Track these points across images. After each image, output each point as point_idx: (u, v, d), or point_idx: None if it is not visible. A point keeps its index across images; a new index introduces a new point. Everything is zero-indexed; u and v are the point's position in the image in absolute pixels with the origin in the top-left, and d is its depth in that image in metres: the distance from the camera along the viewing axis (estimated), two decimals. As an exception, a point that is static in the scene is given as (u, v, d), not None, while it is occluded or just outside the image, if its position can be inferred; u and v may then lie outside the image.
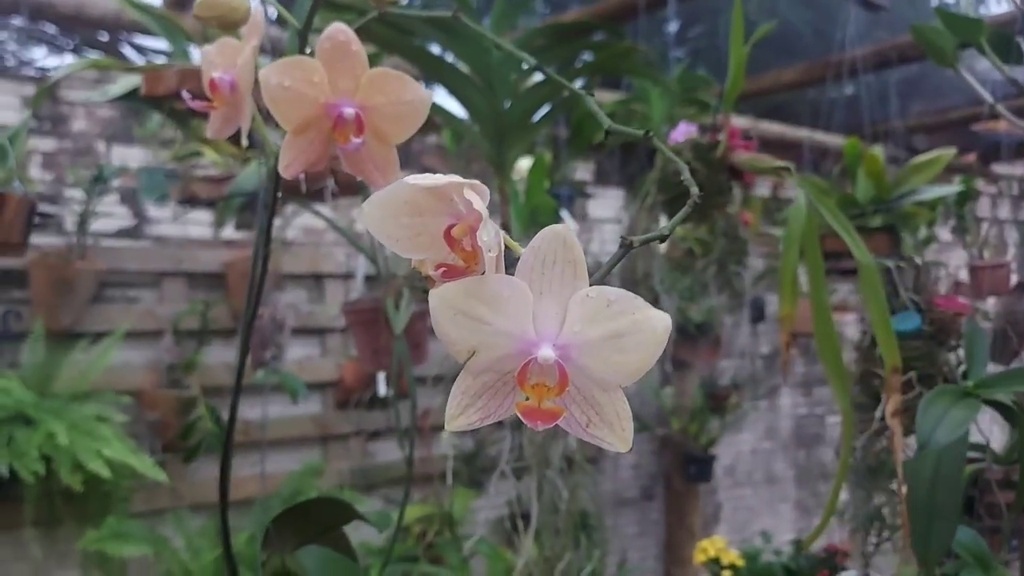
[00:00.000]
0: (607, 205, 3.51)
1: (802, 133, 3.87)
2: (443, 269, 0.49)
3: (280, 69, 0.62)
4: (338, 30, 0.63)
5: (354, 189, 1.64)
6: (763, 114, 3.80)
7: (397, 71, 0.64)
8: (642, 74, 1.84)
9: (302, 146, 0.66)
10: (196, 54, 1.56)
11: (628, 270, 2.35)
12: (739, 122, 3.06)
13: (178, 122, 1.62)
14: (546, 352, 0.46)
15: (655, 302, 2.63)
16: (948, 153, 1.83)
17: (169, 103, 1.42)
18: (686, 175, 0.58)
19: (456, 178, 0.47)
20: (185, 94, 0.72)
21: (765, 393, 4.04)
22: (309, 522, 0.82)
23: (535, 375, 0.47)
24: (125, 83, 1.47)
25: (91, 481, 2.20)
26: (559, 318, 0.48)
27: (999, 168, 4.55)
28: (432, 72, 1.50)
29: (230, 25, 0.67)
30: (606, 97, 2.67)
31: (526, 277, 0.48)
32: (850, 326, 4.44)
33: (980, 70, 3.85)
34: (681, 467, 3.49)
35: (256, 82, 0.66)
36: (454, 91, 1.53)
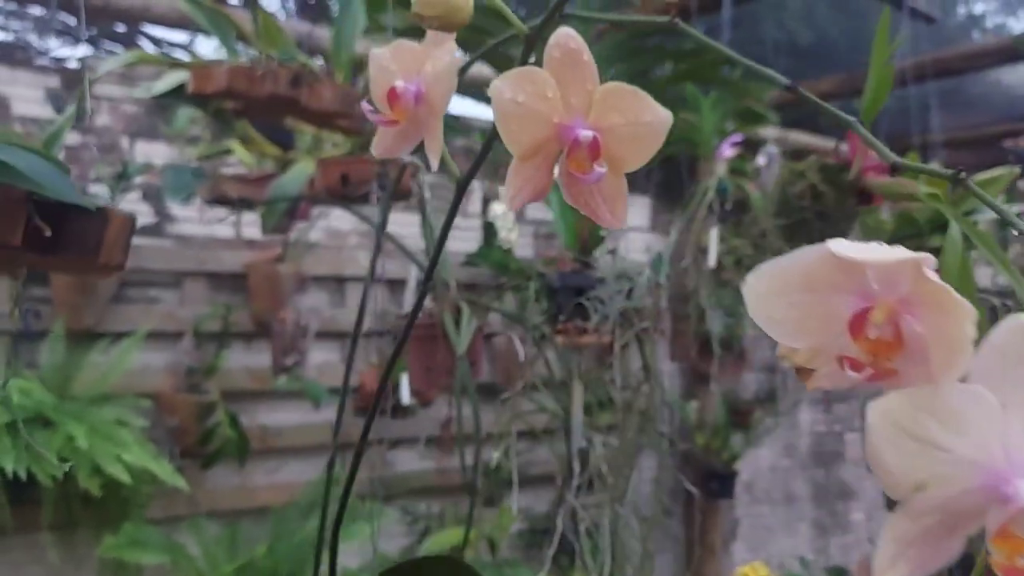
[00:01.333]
0: (633, 213, 3.46)
1: (829, 144, 3.81)
2: (847, 362, 0.40)
3: (512, 81, 0.54)
4: (568, 36, 0.55)
5: (400, 193, 1.58)
6: (790, 124, 3.75)
7: (632, 87, 0.55)
8: (733, 86, 1.76)
9: (529, 173, 0.57)
10: (246, 53, 1.51)
11: (677, 285, 2.29)
12: (768, 132, 3.00)
13: (223, 122, 1.56)
14: None
15: (701, 319, 2.59)
16: (1012, 172, 1.76)
17: (216, 102, 1.37)
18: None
19: (906, 252, 0.38)
20: (366, 106, 0.64)
21: (788, 409, 3.97)
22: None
23: (1016, 524, 0.35)
24: (171, 79, 1.41)
25: (109, 485, 2.14)
26: None
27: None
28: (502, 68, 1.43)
29: (451, 27, 0.59)
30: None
31: (987, 382, 0.37)
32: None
33: (1009, 83, 3.80)
34: (703, 483, 3.42)
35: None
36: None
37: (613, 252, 1.66)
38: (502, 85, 0.54)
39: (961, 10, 5.19)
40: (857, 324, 0.39)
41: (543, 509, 3.13)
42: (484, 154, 0.62)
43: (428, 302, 1.56)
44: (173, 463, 2.34)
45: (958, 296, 0.36)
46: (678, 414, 3.40)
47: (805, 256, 0.40)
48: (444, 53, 0.62)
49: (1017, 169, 1.99)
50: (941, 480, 0.37)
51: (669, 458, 3.52)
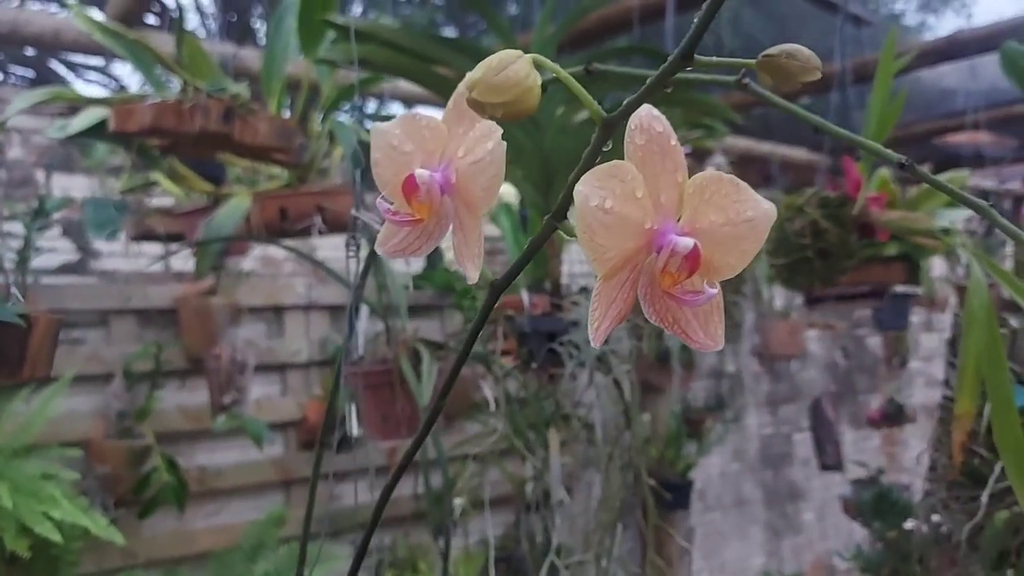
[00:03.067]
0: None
1: (766, 147, 3.82)
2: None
3: (598, 183, 0.43)
4: (653, 117, 0.45)
5: (342, 225, 1.49)
6: (734, 130, 3.74)
7: (730, 176, 0.45)
8: (693, 105, 1.68)
9: (613, 294, 0.47)
10: (167, 79, 1.40)
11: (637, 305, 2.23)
12: (713, 142, 2.97)
13: (149, 161, 1.44)
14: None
15: (660, 336, 2.53)
16: (962, 175, 1.75)
17: (140, 140, 1.25)
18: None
19: None
20: (382, 203, 0.52)
21: (736, 414, 3.96)
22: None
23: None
24: (88, 117, 1.29)
25: (38, 544, 2.00)
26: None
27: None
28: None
29: (519, 115, 0.44)
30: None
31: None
32: (813, 341, 4.41)
33: (947, 85, 3.86)
34: (657, 495, 3.38)
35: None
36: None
37: (585, 291, 1.57)
38: (588, 191, 0.43)
39: (883, 10, 5.29)
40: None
41: (499, 532, 3.05)
42: (526, 260, 0.52)
43: (383, 346, 1.47)
44: (107, 515, 2.20)
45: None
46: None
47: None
48: (482, 135, 0.49)
49: (966, 172, 1.98)
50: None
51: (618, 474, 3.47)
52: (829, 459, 3.82)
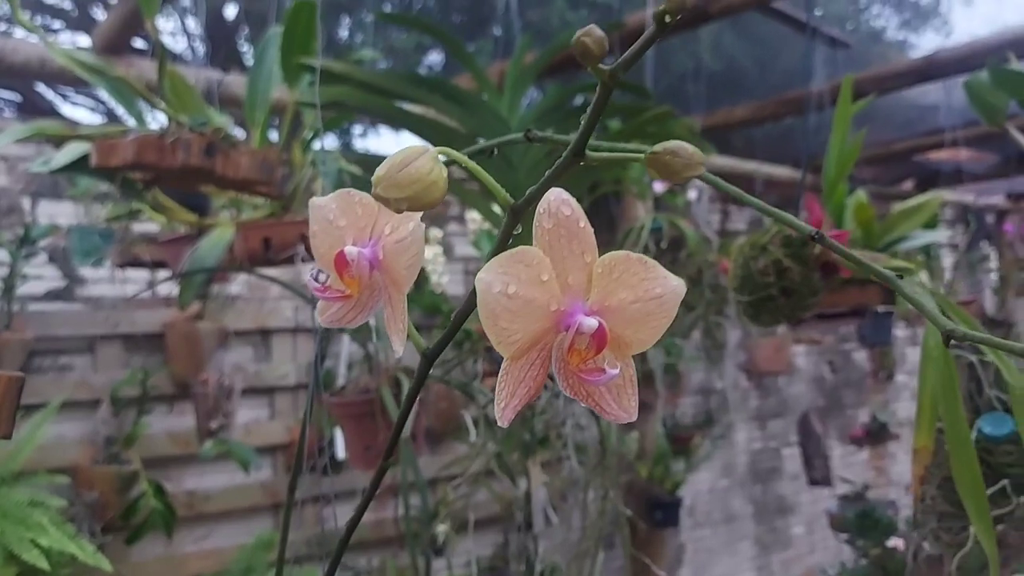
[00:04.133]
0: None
1: (750, 166, 3.85)
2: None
3: (502, 269, 0.44)
4: (562, 201, 0.46)
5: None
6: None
7: (638, 255, 0.46)
8: (679, 137, 1.70)
9: (521, 374, 0.48)
10: (152, 113, 1.42)
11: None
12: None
13: (133, 194, 1.46)
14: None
15: (643, 356, 2.55)
16: (937, 197, 1.78)
17: (123, 174, 1.27)
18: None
19: None
20: (312, 282, 0.54)
21: (724, 430, 3.98)
22: None
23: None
24: (71, 151, 1.30)
25: (25, 572, 2.00)
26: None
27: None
28: (440, 142, 1.37)
29: (423, 208, 0.46)
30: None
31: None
32: (800, 356, 4.43)
33: (928, 103, 3.90)
34: (646, 513, 3.39)
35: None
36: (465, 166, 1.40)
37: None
38: (490, 278, 0.44)
39: (863, 29, 5.35)
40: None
41: (485, 552, 3.05)
42: (453, 332, 0.54)
43: (364, 375, 1.48)
44: (94, 541, 2.20)
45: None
46: (618, 447, 3.36)
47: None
48: (408, 216, 0.51)
49: (942, 195, 2.01)
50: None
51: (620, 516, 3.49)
52: (817, 473, 3.84)
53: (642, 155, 0.50)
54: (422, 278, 2.58)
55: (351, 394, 1.49)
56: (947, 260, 4.91)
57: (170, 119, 1.31)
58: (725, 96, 3.23)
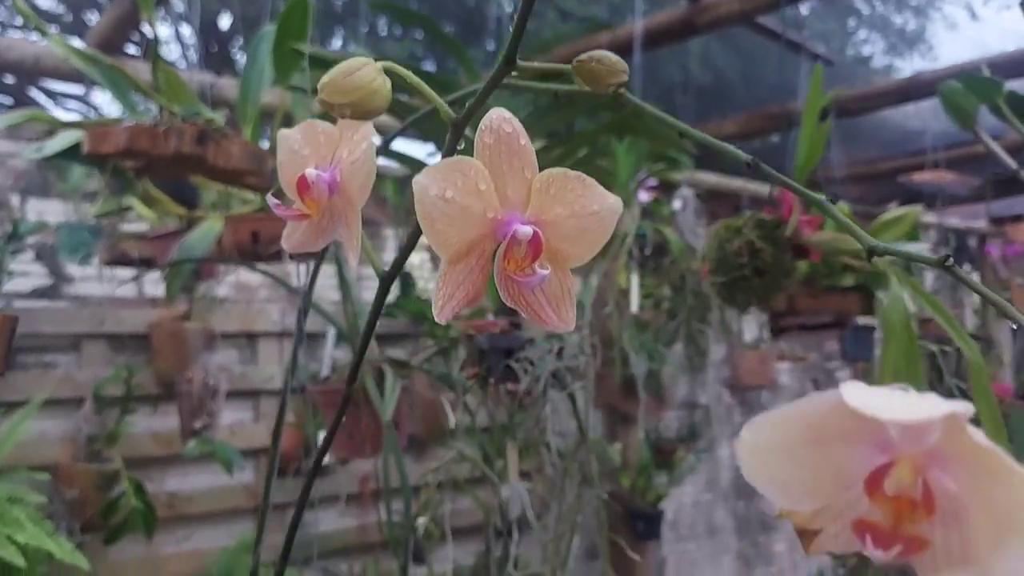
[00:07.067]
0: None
1: (736, 183, 3.89)
2: (866, 530, 0.34)
3: (439, 175, 0.47)
4: (503, 119, 0.49)
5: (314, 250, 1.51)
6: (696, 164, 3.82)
7: (576, 172, 0.49)
8: (653, 134, 1.74)
9: (460, 277, 0.50)
10: (145, 106, 1.43)
11: (600, 331, 2.27)
12: (682, 175, 3.04)
13: (124, 183, 1.47)
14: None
15: (625, 363, 2.57)
16: (915, 210, 1.81)
17: (114, 162, 1.28)
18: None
19: (940, 405, 0.31)
20: (271, 200, 0.56)
21: (708, 445, 4.00)
22: None
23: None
24: (64, 139, 1.31)
25: (1, 568, 1.98)
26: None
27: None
28: (429, 136, 1.39)
29: (366, 116, 0.50)
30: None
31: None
32: (784, 374, 4.46)
33: (895, 119, 3.96)
34: (628, 525, 3.39)
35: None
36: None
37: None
38: (427, 181, 0.47)
39: (850, 51, 5.42)
40: (875, 481, 0.34)
41: (468, 562, 3.05)
42: (410, 247, 0.57)
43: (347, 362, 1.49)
44: (72, 539, 2.19)
45: (1011, 461, 0.31)
46: (602, 458, 3.37)
47: (811, 404, 0.34)
48: (360, 138, 0.54)
49: (920, 208, 2.04)
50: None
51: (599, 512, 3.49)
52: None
53: (569, 66, 0.53)
54: (408, 284, 2.60)
55: (335, 383, 1.51)
56: (929, 281, 4.95)
57: (162, 109, 1.32)
58: (713, 108, 3.26)
